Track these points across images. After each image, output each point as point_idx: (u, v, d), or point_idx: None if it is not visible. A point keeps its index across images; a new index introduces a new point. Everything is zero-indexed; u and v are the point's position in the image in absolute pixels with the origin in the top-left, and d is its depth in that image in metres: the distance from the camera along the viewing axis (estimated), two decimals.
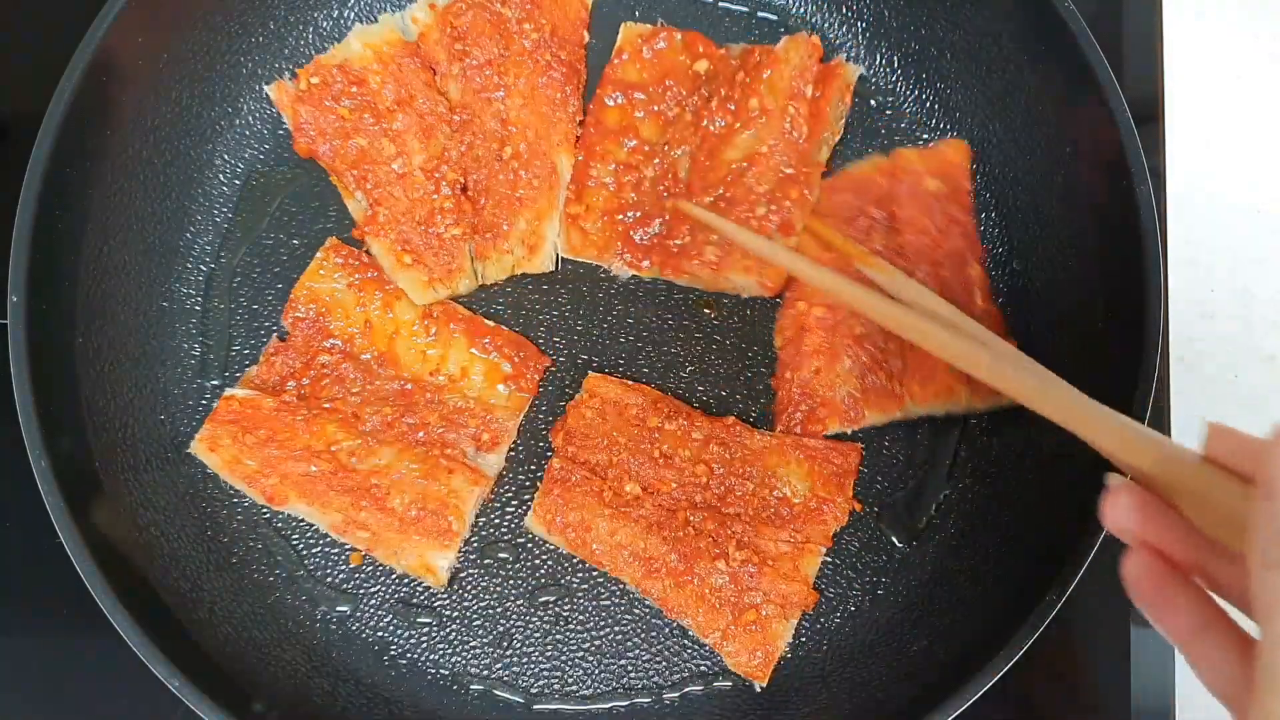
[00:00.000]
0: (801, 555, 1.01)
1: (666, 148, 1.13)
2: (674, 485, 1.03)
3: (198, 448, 1.04)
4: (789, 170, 1.10)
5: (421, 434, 1.06)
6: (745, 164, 1.09)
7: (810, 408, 1.06)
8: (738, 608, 1.00)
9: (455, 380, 1.09)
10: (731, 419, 1.06)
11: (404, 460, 1.04)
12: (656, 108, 1.15)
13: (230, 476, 1.04)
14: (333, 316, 1.09)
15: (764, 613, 0.99)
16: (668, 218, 1.11)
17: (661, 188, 1.12)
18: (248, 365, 1.10)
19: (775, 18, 1.20)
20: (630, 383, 1.08)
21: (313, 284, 1.10)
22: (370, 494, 1.02)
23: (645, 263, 1.11)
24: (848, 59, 1.19)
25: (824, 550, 1.02)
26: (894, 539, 1.07)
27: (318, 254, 1.10)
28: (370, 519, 1.02)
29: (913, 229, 1.07)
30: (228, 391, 1.05)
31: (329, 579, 1.05)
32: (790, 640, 1.01)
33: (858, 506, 1.06)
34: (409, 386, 1.08)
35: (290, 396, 1.06)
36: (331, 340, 1.09)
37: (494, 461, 1.07)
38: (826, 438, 1.06)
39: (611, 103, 1.15)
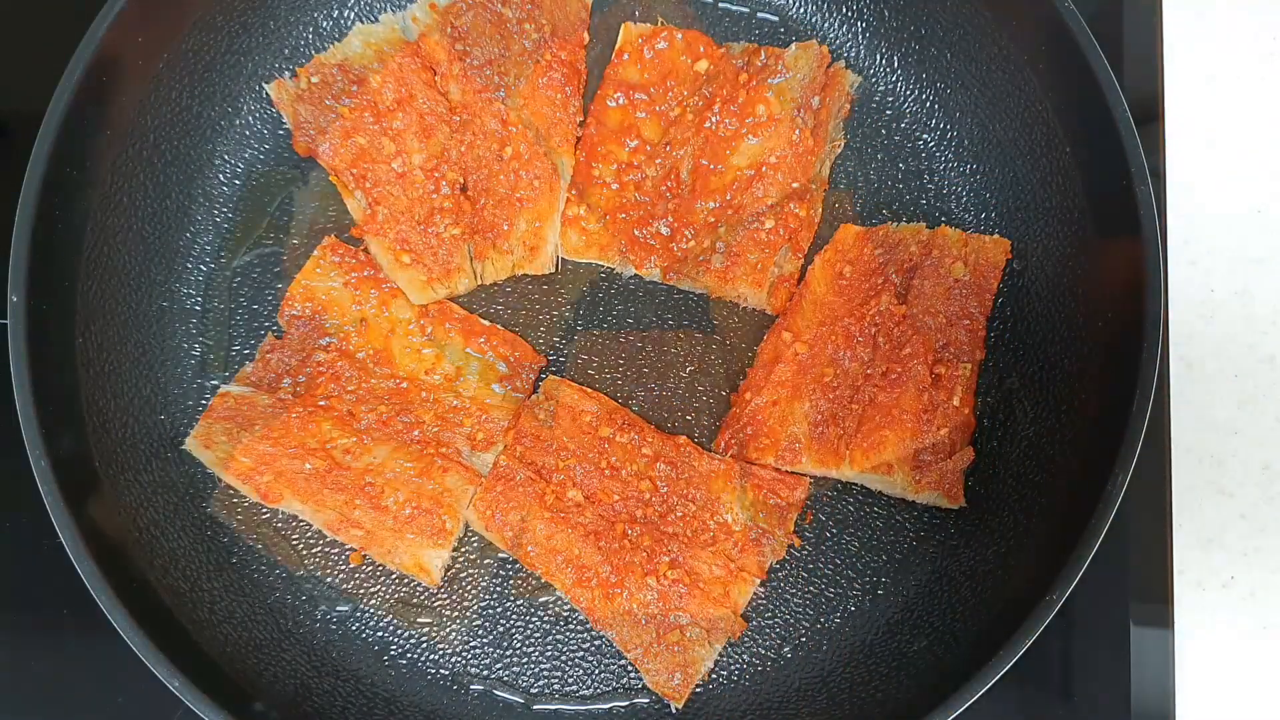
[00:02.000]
0: (734, 582, 1.01)
1: (668, 148, 1.13)
2: (616, 497, 1.03)
3: (192, 444, 1.04)
4: (795, 184, 1.10)
5: (416, 432, 1.06)
6: (751, 172, 1.09)
7: (754, 433, 1.06)
8: (663, 626, 0.99)
9: (451, 379, 1.09)
10: (683, 438, 1.06)
11: (398, 458, 1.04)
12: (658, 108, 1.15)
13: (224, 473, 1.04)
14: (329, 314, 1.09)
15: (689, 635, 0.99)
16: (671, 219, 1.11)
17: (664, 188, 1.12)
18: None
19: (775, 18, 1.20)
20: (589, 390, 1.08)
21: (309, 282, 1.10)
22: (365, 492, 1.02)
23: (649, 263, 1.11)
24: (847, 60, 1.19)
25: (757, 582, 1.02)
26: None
27: (315, 252, 1.10)
28: (364, 517, 1.02)
29: (923, 305, 1.06)
30: (223, 388, 1.05)
31: (329, 579, 1.05)
32: (714, 662, 1.00)
33: (796, 541, 1.05)
34: (404, 385, 1.08)
35: (285, 394, 1.06)
36: (327, 338, 1.09)
37: (488, 461, 1.07)
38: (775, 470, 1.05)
39: (613, 104, 1.15)
